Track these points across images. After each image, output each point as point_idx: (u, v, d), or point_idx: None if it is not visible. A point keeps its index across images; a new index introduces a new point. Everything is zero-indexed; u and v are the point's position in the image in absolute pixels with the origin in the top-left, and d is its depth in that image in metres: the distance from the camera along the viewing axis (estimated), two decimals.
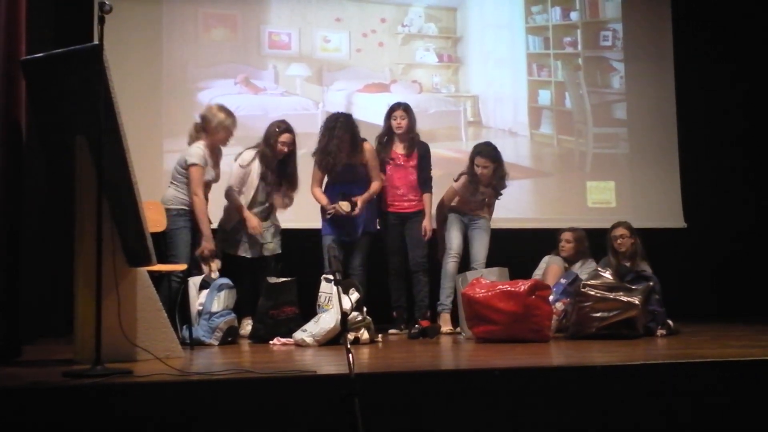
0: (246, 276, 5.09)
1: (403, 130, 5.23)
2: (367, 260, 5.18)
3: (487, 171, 5.25)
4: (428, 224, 5.21)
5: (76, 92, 3.36)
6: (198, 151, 4.82)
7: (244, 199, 5.07)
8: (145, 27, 6.04)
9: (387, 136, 5.31)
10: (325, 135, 5.12)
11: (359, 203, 5.05)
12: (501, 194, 5.44)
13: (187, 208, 4.81)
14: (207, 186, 4.91)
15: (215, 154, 4.97)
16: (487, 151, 5.27)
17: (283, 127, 5.13)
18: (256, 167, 5.10)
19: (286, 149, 5.10)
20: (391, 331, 5.19)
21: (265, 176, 5.10)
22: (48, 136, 3.55)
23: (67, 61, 3.43)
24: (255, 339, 4.72)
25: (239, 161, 5.11)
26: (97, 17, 3.12)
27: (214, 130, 4.89)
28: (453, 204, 5.38)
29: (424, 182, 5.27)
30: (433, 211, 5.33)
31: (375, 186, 5.17)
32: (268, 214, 5.18)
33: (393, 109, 5.29)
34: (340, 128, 5.06)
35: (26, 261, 3.87)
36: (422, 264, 5.24)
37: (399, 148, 5.28)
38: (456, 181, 5.37)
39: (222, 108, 4.97)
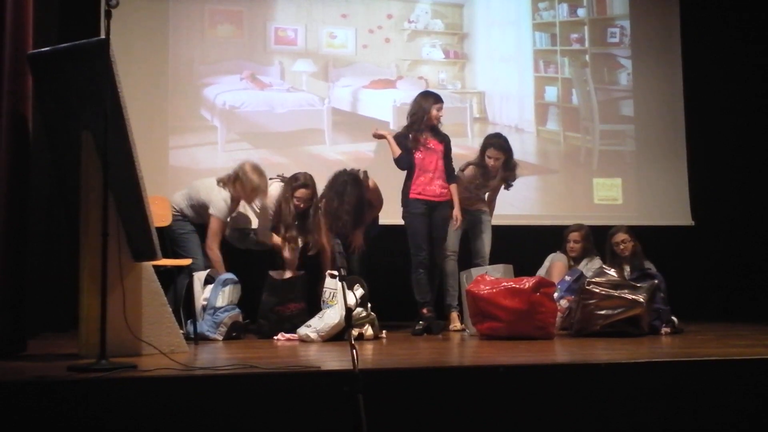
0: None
1: (439, 121, 5.17)
2: (365, 258, 5.19)
3: (498, 163, 5.27)
4: (458, 212, 5.11)
5: (82, 87, 3.36)
6: (222, 206, 4.79)
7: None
8: (152, 22, 6.05)
9: (420, 123, 5.11)
10: (334, 199, 5.02)
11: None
12: (512, 185, 5.45)
13: (192, 221, 4.89)
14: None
15: (236, 202, 4.94)
16: (499, 144, 5.29)
17: (301, 181, 4.91)
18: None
19: (302, 206, 4.91)
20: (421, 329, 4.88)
21: (282, 234, 4.91)
22: (54, 131, 3.56)
23: (73, 55, 3.43)
24: (259, 335, 4.73)
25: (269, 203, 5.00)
26: (104, 11, 3.10)
27: (249, 193, 4.82)
28: None
29: (450, 173, 5.20)
30: None
31: (373, 214, 5.29)
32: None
33: (436, 100, 5.15)
34: (350, 194, 5.00)
35: (32, 256, 3.89)
36: (437, 260, 5.18)
37: (429, 135, 5.15)
38: (462, 171, 5.36)
39: (255, 169, 4.83)
